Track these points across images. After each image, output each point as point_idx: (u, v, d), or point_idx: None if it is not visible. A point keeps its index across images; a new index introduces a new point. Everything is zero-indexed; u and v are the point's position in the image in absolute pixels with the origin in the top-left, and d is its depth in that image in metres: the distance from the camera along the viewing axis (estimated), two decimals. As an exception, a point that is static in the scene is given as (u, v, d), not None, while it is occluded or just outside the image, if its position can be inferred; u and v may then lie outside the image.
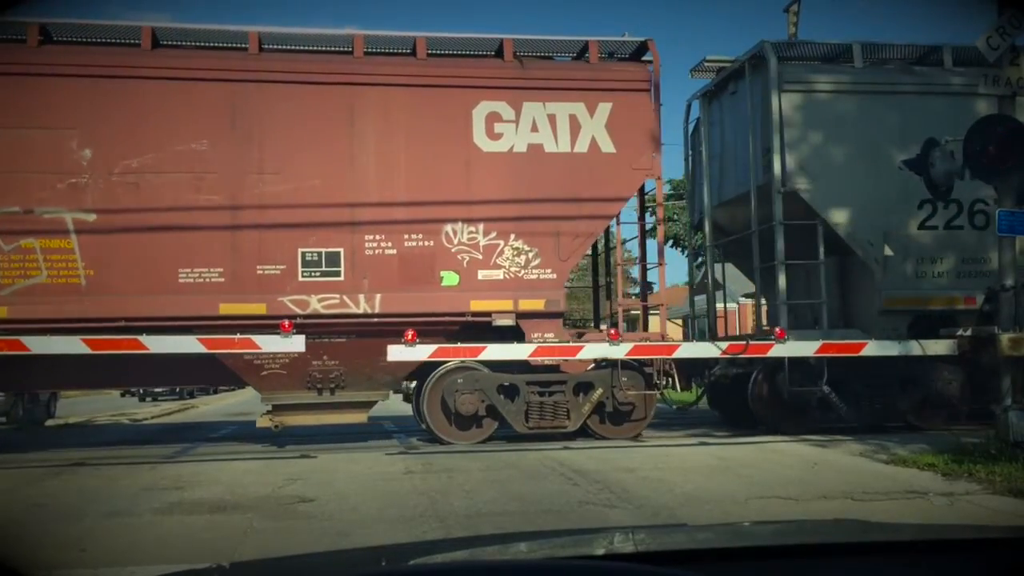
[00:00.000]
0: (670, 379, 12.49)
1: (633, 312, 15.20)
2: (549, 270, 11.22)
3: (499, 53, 11.46)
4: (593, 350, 11.20)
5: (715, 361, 12.27)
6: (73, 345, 10.14)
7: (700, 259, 17.67)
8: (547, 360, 11.25)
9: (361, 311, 10.83)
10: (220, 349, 10.52)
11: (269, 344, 10.60)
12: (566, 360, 11.27)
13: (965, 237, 12.19)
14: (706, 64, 13.80)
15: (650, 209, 14.40)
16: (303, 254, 10.79)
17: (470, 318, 11.05)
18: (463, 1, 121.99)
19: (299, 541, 5.74)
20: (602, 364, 11.33)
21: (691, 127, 14.57)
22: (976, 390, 12.40)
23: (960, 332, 11.62)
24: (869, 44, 12.71)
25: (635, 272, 14.13)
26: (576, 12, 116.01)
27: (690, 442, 10.93)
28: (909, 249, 12.08)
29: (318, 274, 10.80)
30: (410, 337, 10.99)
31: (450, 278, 11.05)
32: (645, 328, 13.96)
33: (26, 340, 10.06)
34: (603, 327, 12.94)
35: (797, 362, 11.53)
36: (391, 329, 10.76)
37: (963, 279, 12.14)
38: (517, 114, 11.29)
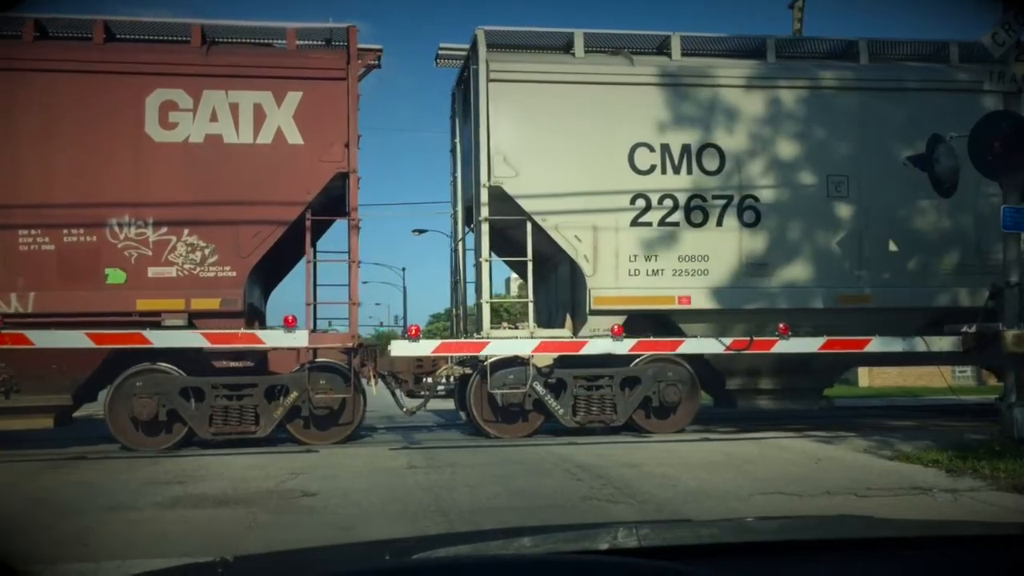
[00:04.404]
0: (398, 380, 11.82)
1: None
2: (228, 267, 10.64)
3: (201, 39, 10.95)
4: (598, 345, 11.17)
5: (444, 359, 11.80)
6: (77, 339, 10.15)
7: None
8: (233, 363, 10.87)
9: (12, 311, 10.19)
10: (221, 344, 10.55)
11: (273, 339, 10.62)
12: (251, 358, 10.90)
13: (681, 235, 11.70)
14: (441, 52, 12.82)
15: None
16: None
17: (137, 318, 10.42)
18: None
19: (302, 535, 5.74)
20: (305, 366, 10.82)
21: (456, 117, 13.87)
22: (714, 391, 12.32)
23: (965, 328, 11.60)
24: (592, 33, 12.05)
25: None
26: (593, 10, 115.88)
27: (693, 438, 10.93)
28: (620, 246, 11.56)
29: None
30: (414, 332, 11.01)
31: (116, 276, 10.45)
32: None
33: (30, 334, 10.07)
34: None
35: (508, 362, 11.16)
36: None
37: (680, 278, 11.62)
38: (196, 103, 10.72)
